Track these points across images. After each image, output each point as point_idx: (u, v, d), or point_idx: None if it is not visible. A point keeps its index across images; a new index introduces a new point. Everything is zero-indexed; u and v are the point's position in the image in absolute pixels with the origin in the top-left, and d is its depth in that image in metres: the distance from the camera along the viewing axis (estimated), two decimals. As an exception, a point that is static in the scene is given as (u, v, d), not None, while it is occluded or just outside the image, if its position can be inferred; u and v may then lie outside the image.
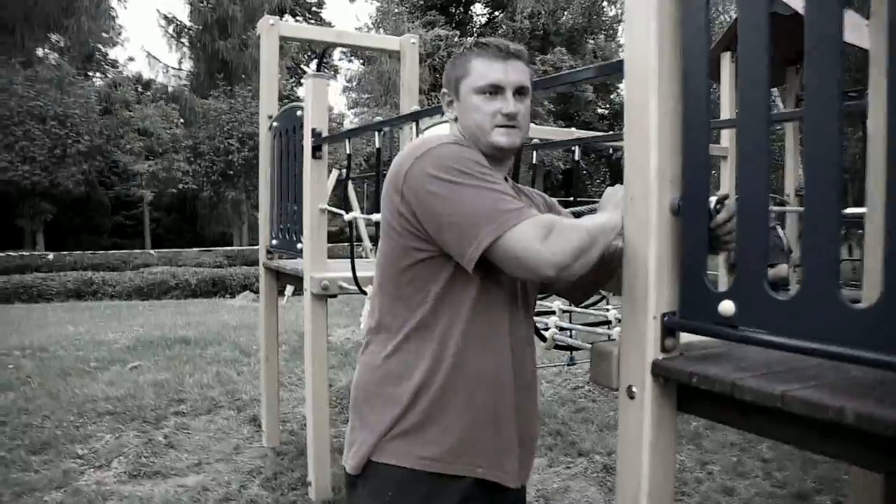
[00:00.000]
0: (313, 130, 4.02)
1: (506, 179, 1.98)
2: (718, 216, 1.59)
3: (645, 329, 1.61)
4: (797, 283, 6.71)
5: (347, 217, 3.85)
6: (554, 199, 2.25)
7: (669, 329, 1.61)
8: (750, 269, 1.45)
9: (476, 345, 1.80)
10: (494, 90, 1.85)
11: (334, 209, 4.19)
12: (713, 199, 1.57)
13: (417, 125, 3.14)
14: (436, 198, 1.70)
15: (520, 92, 1.87)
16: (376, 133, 3.48)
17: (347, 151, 3.84)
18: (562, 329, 3.31)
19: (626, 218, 1.68)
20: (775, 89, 9.56)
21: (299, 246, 4.31)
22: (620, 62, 1.73)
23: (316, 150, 4.04)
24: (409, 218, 1.76)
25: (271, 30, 5.23)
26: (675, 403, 1.65)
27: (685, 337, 1.66)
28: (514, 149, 1.91)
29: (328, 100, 4.20)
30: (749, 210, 1.44)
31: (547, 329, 3.32)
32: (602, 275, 1.95)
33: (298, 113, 4.33)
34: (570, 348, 3.55)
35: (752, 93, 1.42)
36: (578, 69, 1.98)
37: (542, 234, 1.62)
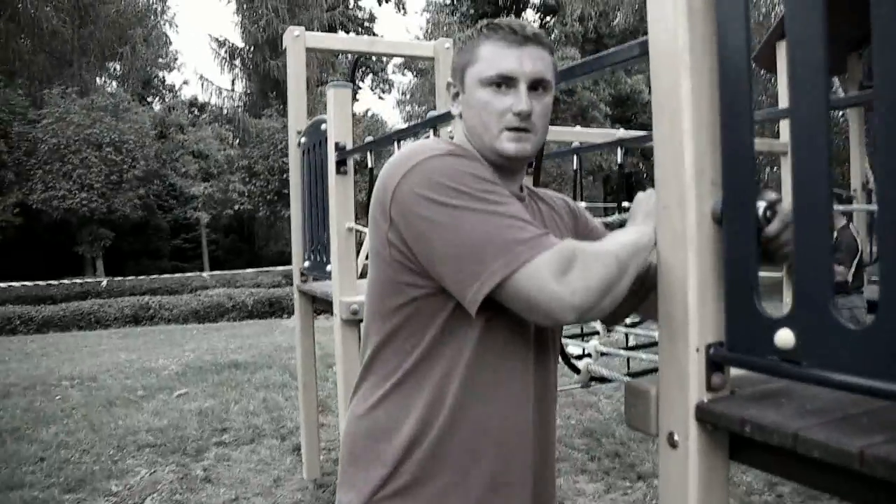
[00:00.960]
0: (336, 144, 3.77)
1: (521, 189, 1.67)
2: (770, 226, 1.29)
3: (686, 364, 1.30)
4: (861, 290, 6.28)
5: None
6: (581, 205, 1.93)
7: (716, 363, 1.31)
8: (812, 290, 1.14)
9: (480, 395, 1.49)
10: (505, 82, 1.52)
11: (363, 228, 3.95)
12: (762, 204, 1.27)
13: (436, 132, 2.87)
14: (429, 225, 1.39)
15: (537, 86, 1.53)
16: (395, 143, 3.22)
17: (369, 165, 3.58)
18: (604, 354, 2.96)
19: (659, 231, 1.37)
20: (835, 78, 9.03)
21: (328, 268, 4.06)
22: (644, 41, 1.43)
23: (340, 164, 3.79)
24: (400, 247, 1.46)
25: (296, 41, 5.01)
26: (727, 453, 1.35)
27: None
28: (524, 158, 1.58)
29: (351, 110, 3.95)
30: (808, 216, 1.12)
31: (582, 357, 2.96)
32: (635, 298, 1.59)
33: (323, 127, 4.09)
34: (608, 380, 3.16)
35: (806, 69, 1.11)
36: (597, 56, 1.67)
37: (561, 270, 1.30)
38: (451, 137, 1.78)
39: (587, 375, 2.89)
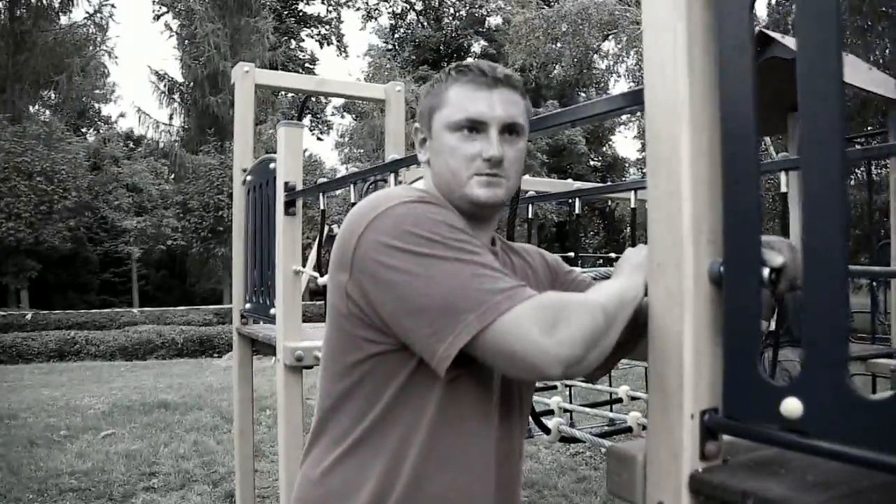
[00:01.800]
0: (286, 184, 3.66)
1: (493, 242, 1.59)
2: (778, 289, 1.23)
3: (680, 431, 1.22)
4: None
5: (322, 280, 3.42)
6: (557, 257, 1.84)
7: (711, 431, 1.23)
8: (824, 357, 1.07)
9: (441, 460, 1.39)
10: (475, 127, 1.44)
11: (309, 271, 3.83)
12: (766, 270, 1.20)
13: (396, 176, 2.78)
14: (397, 275, 1.29)
15: (509, 130, 1.46)
16: (351, 186, 3.13)
17: (321, 207, 3.47)
18: (566, 411, 2.87)
19: (652, 289, 1.29)
20: (768, 139, 9.27)
21: (272, 311, 3.92)
22: (639, 91, 1.37)
23: (289, 205, 3.68)
24: (359, 302, 1.36)
25: (245, 77, 4.90)
26: (723, 528, 1.27)
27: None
28: (496, 204, 1.49)
29: (302, 150, 3.85)
30: (821, 276, 1.06)
31: (548, 415, 2.87)
32: (621, 350, 1.49)
33: (271, 165, 3.98)
34: (579, 441, 3.06)
35: (818, 119, 1.06)
36: (591, 101, 1.61)
37: (545, 320, 1.21)
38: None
39: (557, 435, 2.80)
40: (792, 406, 1.09)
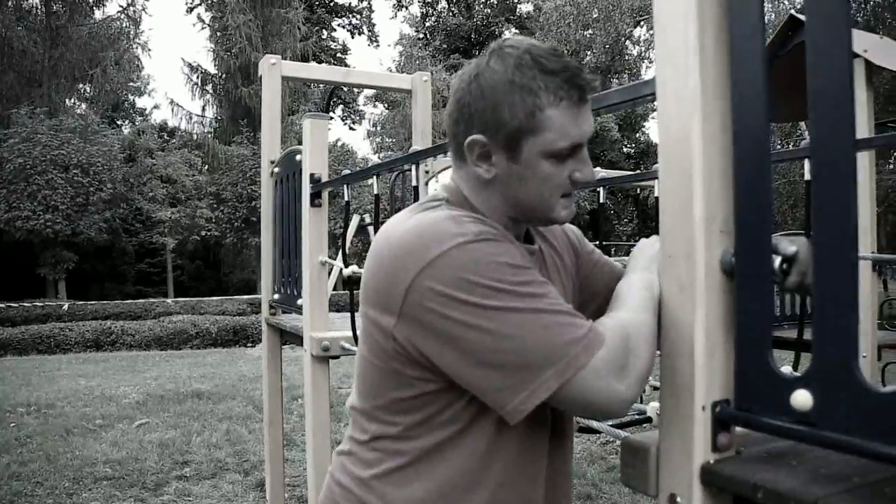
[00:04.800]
0: (311, 176, 3.68)
1: (527, 235, 1.51)
2: (788, 280, 1.21)
3: (691, 423, 1.21)
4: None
5: (346, 272, 3.44)
6: (579, 232, 1.79)
7: (722, 423, 1.23)
8: (834, 349, 1.06)
9: (494, 487, 1.35)
10: (573, 151, 1.33)
11: (335, 262, 3.85)
12: (778, 258, 1.19)
13: (418, 167, 2.78)
14: (460, 329, 1.19)
15: None
16: (375, 177, 3.13)
17: (346, 198, 3.47)
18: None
19: (664, 281, 1.28)
20: (803, 123, 9.11)
21: (299, 301, 3.95)
22: (650, 81, 1.36)
23: (315, 196, 3.70)
24: (409, 348, 1.26)
25: (272, 70, 4.92)
26: (735, 519, 1.26)
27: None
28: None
29: (327, 142, 3.86)
30: (830, 267, 1.05)
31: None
32: None
33: (298, 157, 4.00)
34: (597, 431, 3.04)
35: (828, 106, 1.04)
36: (604, 92, 1.60)
37: (620, 366, 1.20)
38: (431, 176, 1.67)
39: (575, 426, 2.79)
40: (802, 398, 1.09)
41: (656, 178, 1.49)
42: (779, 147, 20.92)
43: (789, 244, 1.22)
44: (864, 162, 4.59)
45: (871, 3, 23.04)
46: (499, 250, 1.23)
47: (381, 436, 1.36)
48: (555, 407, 1.26)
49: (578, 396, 1.18)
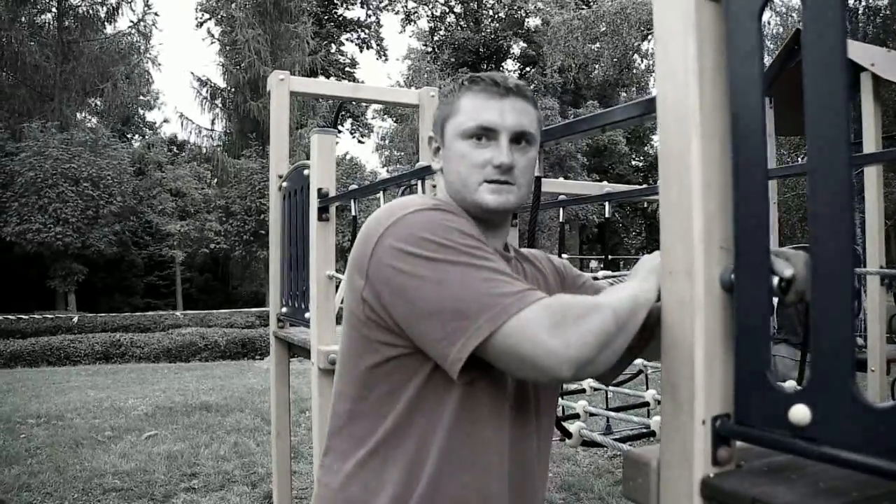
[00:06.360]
0: (319, 190, 3.70)
1: (506, 248, 1.61)
2: (787, 298, 1.23)
3: (691, 437, 1.23)
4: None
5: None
6: (566, 261, 1.84)
7: (722, 437, 1.24)
8: (832, 364, 1.07)
9: (458, 463, 1.39)
10: (486, 134, 1.47)
11: (342, 276, 3.86)
12: (776, 279, 1.21)
13: (424, 182, 2.80)
14: (410, 280, 1.30)
15: (520, 139, 1.49)
16: (382, 192, 3.16)
17: (353, 213, 3.50)
18: (592, 415, 2.86)
19: (664, 296, 1.30)
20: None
21: (307, 315, 3.97)
22: (651, 99, 1.38)
23: (322, 211, 3.73)
24: (375, 306, 1.38)
25: (281, 85, 4.96)
26: (735, 532, 1.27)
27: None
28: (506, 211, 1.51)
29: (335, 157, 3.88)
30: (828, 283, 1.07)
31: (573, 419, 2.86)
32: (631, 354, 1.52)
33: (305, 172, 4.03)
34: (603, 445, 3.04)
35: (824, 125, 1.06)
36: (605, 110, 1.62)
37: (554, 322, 1.20)
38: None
39: (579, 439, 2.79)
40: (800, 413, 1.10)
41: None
42: (787, 160, 20.83)
43: (788, 266, 1.24)
44: (873, 176, 4.61)
45: (882, 14, 23.02)
46: (451, 218, 1.38)
47: (352, 416, 1.46)
48: (494, 363, 1.29)
49: (510, 344, 1.22)
